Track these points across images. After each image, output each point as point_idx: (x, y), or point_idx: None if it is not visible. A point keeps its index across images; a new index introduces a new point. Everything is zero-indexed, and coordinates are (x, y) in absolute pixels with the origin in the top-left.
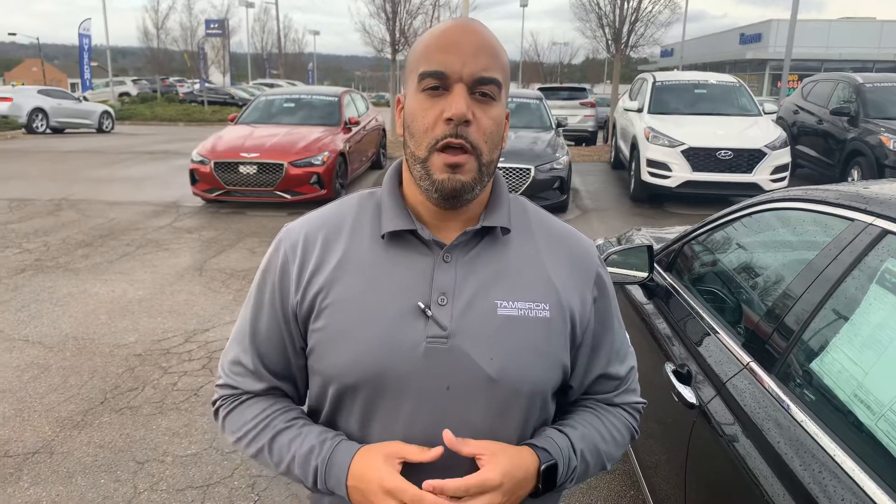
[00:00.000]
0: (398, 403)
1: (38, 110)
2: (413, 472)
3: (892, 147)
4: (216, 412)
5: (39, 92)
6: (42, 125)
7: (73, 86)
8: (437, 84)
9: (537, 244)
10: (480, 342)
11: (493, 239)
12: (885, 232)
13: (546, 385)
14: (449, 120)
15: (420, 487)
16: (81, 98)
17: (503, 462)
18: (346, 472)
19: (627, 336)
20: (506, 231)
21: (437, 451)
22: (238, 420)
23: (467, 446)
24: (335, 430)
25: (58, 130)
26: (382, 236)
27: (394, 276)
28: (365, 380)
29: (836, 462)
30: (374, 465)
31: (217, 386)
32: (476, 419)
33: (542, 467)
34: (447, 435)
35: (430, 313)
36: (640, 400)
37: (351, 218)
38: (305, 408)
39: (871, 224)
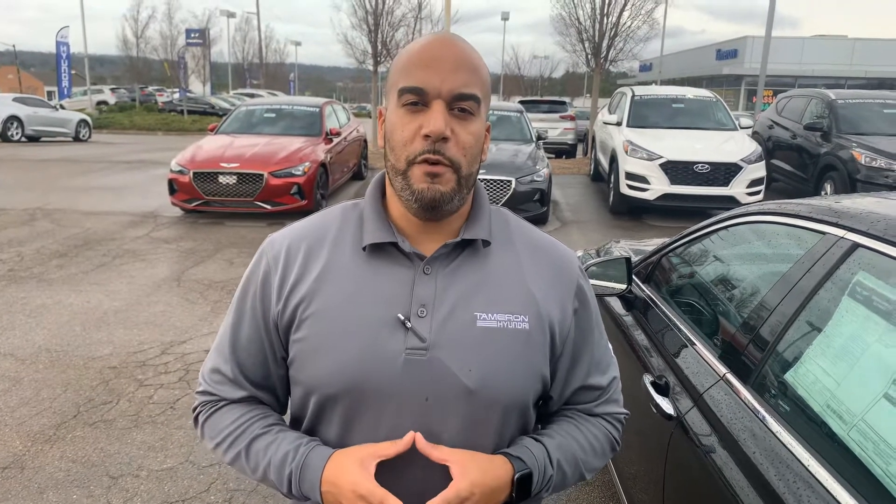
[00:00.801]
0: (378, 414)
1: (13, 118)
2: (395, 473)
3: (863, 162)
4: (196, 418)
5: (15, 100)
6: (17, 133)
7: (49, 94)
8: (417, 100)
9: (518, 256)
10: (459, 354)
11: (474, 251)
12: (856, 245)
13: (525, 396)
14: (427, 136)
15: (404, 486)
16: (58, 106)
17: (472, 472)
18: (320, 476)
19: (610, 347)
20: (486, 243)
21: (408, 438)
22: (217, 425)
23: (437, 451)
24: (311, 437)
25: (33, 139)
26: (364, 248)
27: (375, 287)
28: (345, 390)
29: (809, 472)
30: (349, 469)
31: (197, 393)
32: (454, 430)
33: (516, 476)
34: (418, 438)
35: (409, 325)
36: (622, 410)
37: (334, 229)
38: (288, 416)
39: (842, 237)
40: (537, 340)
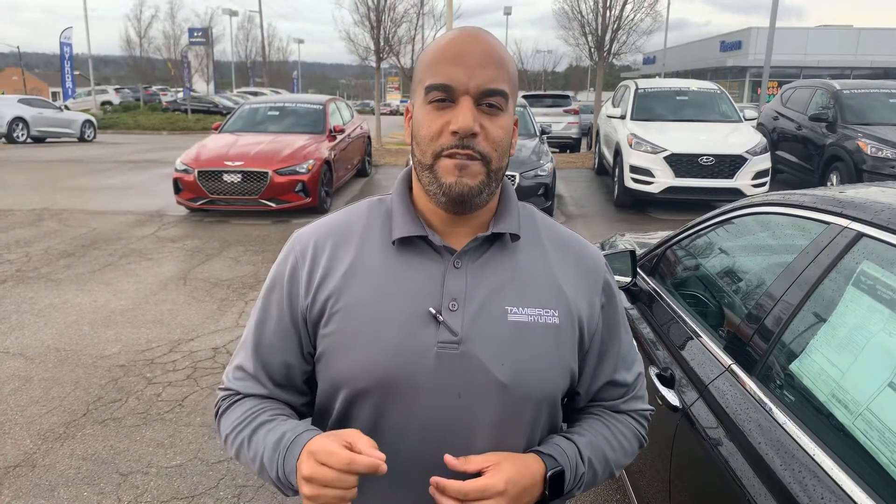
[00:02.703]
0: (409, 408)
1: (18, 119)
2: (402, 489)
3: (869, 152)
4: (216, 414)
5: (20, 101)
6: (23, 134)
7: (53, 95)
8: (444, 96)
9: (546, 251)
10: (491, 348)
11: (503, 245)
12: (861, 235)
13: (555, 391)
14: (455, 132)
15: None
16: (63, 107)
17: (508, 469)
18: (300, 453)
19: (634, 343)
20: (515, 237)
21: (382, 457)
22: (230, 417)
23: (470, 464)
24: (314, 427)
25: (39, 140)
26: (393, 242)
27: (405, 281)
28: (376, 385)
29: (815, 462)
30: (318, 439)
31: (219, 389)
32: (486, 425)
33: (549, 474)
34: (448, 459)
35: (441, 319)
36: (648, 407)
37: (361, 224)
38: (314, 413)
39: (846, 227)
40: (567, 335)
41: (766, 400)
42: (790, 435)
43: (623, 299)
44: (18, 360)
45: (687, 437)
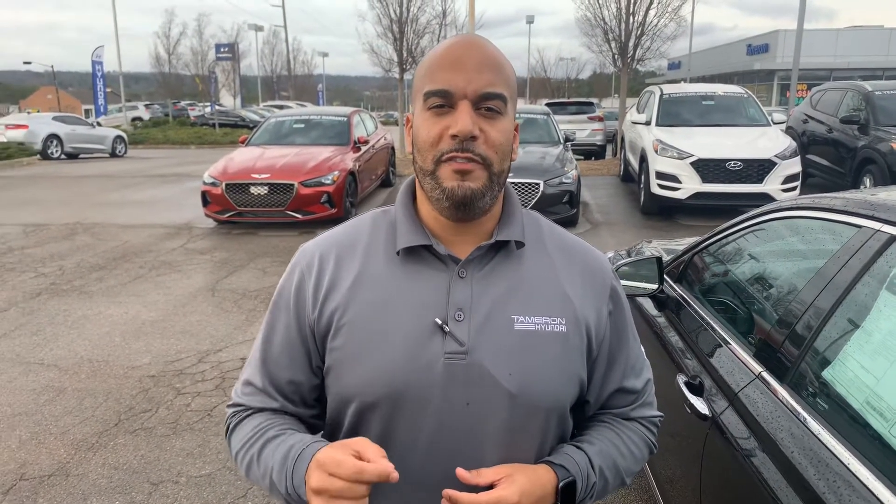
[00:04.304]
0: (418, 420)
1: (52, 136)
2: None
3: None
4: (227, 431)
5: (54, 119)
6: (57, 151)
7: (86, 112)
8: (443, 102)
9: (551, 258)
10: (498, 358)
11: (508, 253)
12: (894, 238)
13: (564, 400)
14: (454, 136)
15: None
16: (95, 124)
17: (520, 481)
18: (308, 465)
19: (643, 349)
20: (520, 245)
21: (395, 475)
22: (239, 434)
23: (482, 477)
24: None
25: (72, 156)
26: (398, 253)
27: (410, 292)
28: (384, 397)
29: (850, 471)
30: (326, 450)
31: (228, 406)
32: (496, 435)
33: (561, 484)
34: (460, 472)
35: (447, 329)
36: (657, 413)
37: (365, 236)
38: (325, 426)
39: (878, 230)
40: (574, 343)
41: (798, 408)
42: (823, 443)
43: (650, 307)
44: (53, 371)
45: (717, 446)
